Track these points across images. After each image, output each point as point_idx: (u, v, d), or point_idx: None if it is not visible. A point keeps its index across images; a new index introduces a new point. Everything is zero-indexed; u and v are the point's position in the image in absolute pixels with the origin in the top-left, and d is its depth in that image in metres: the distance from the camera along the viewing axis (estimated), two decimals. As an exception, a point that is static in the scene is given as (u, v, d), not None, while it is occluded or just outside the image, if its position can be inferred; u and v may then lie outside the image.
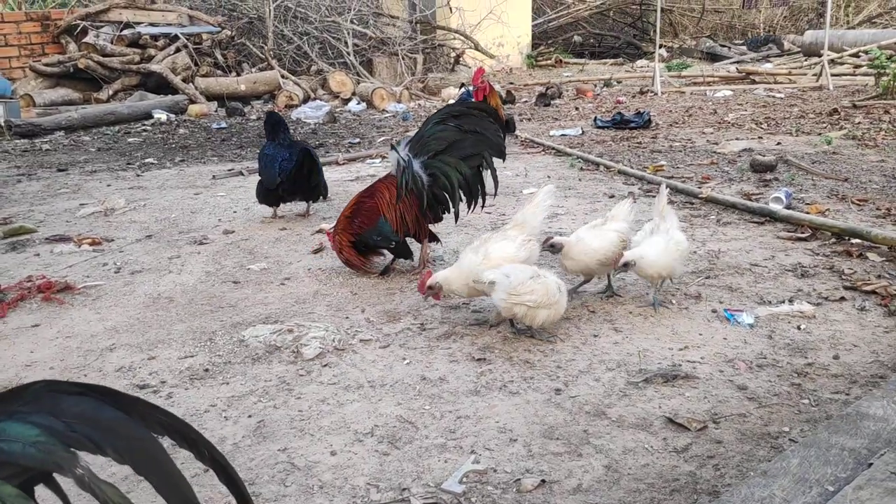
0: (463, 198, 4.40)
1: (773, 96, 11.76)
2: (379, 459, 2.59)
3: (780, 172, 6.64)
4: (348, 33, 14.10)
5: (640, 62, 17.46)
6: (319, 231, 5.34)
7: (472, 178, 4.36)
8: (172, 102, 11.89)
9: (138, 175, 7.64)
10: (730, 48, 18.39)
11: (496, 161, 4.42)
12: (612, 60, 18.65)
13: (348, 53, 13.85)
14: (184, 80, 12.52)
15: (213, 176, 7.39)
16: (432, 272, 3.70)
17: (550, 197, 3.89)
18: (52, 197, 6.77)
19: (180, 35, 13.25)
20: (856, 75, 13.47)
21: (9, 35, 13.42)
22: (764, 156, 6.96)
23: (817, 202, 5.58)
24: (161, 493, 1.19)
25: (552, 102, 12.05)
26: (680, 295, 3.96)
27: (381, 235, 4.37)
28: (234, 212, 6.02)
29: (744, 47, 18.39)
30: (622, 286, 4.10)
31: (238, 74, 13.39)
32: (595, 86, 13.84)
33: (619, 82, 14.48)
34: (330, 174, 6.49)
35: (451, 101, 11.71)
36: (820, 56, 13.07)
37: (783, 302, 3.80)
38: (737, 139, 8.36)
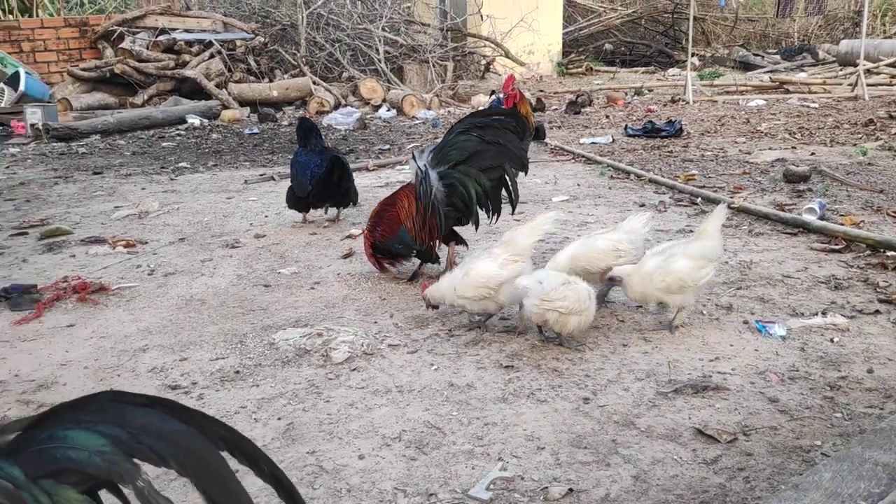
0: (482, 209, 4.38)
1: (808, 106, 11.61)
2: (406, 464, 2.60)
3: (814, 183, 6.56)
4: (380, 41, 14.19)
5: (671, 71, 17.34)
6: (349, 236, 5.39)
7: (491, 190, 4.33)
8: (206, 108, 12.05)
9: (172, 179, 7.76)
10: (763, 57, 18.20)
11: (520, 172, 4.42)
12: (643, 69, 18.54)
13: (379, 60, 13.94)
14: (217, 86, 12.68)
15: (245, 180, 7.47)
16: (427, 284, 3.79)
17: (550, 224, 3.80)
18: (88, 199, 6.89)
19: (214, 41, 13.43)
20: (892, 85, 13.25)
21: (48, 40, 13.71)
22: (797, 166, 6.88)
23: (852, 214, 5.51)
24: None
25: (582, 110, 12.02)
26: (711, 305, 3.92)
27: (403, 244, 4.42)
28: (266, 216, 6.09)
29: (777, 56, 18.18)
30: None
31: (270, 81, 13.53)
32: (626, 94, 13.78)
33: (650, 91, 14.40)
34: (360, 180, 6.53)
35: (481, 108, 11.74)
36: (855, 66, 12.88)
37: (816, 314, 3.75)
38: (770, 149, 8.27)
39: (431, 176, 4.30)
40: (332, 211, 5.92)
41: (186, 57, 13.09)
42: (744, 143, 8.80)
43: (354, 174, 6.04)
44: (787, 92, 13.32)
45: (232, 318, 3.95)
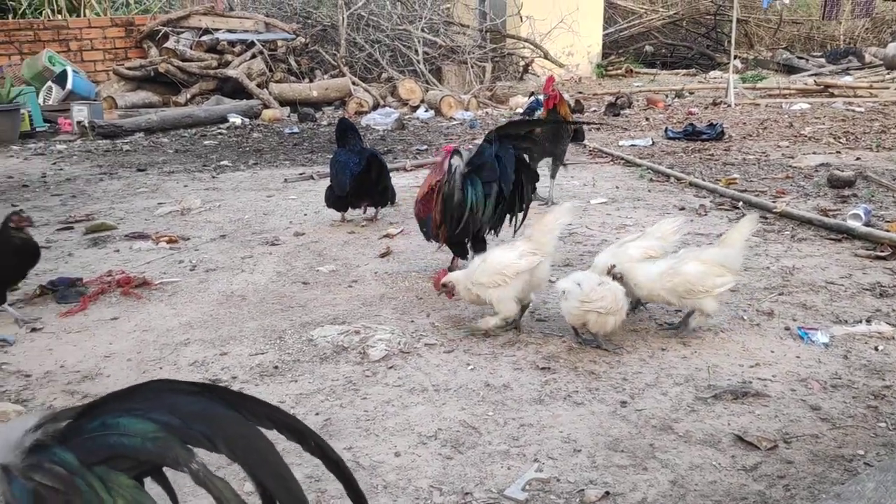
0: (486, 220, 4.25)
1: (853, 110, 11.38)
2: (442, 463, 2.61)
3: (859, 188, 6.43)
4: (419, 41, 14.23)
5: (713, 73, 17.13)
6: (386, 236, 5.42)
7: (500, 207, 4.21)
8: (247, 107, 12.20)
9: (213, 177, 7.87)
10: (807, 60, 17.87)
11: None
12: (684, 71, 18.34)
13: (418, 61, 13.98)
14: (258, 86, 12.83)
15: (285, 179, 7.56)
16: (447, 270, 3.80)
17: (567, 215, 3.70)
18: (132, 196, 7.03)
19: (256, 41, 13.60)
20: (942, 89, 12.93)
21: (94, 40, 14.01)
22: (842, 171, 6.75)
23: (898, 220, 5.39)
24: (271, 489, 1.22)
25: (622, 112, 11.92)
26: (752, 311, 3.87)
27: (425, 229, 4.53)
28: (305, 215, 6.15)
29: (822, 59, 17.84)
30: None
31: (311, 81, 13.66)
32: (666, 96, 13.64)
33: (691, 93, 14.24)
34: (397, 180, 6.56)
35: (519, 110, 11.72)
36: (904, 69, 12.60)
37: (860, 322, 3.68)
38: (814, 153, 8.13)
39: (457, 177, 4.27)
40: (371, 211, 5.95)
41: (229, 57, 13.28)
42: (787, 146, 8.66)
43: (392, 174, 6.08)
44: (832, 95, 13.07)
45: (271, 315, 4.00)
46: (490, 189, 4.13)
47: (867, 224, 5.16)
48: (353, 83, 13.39)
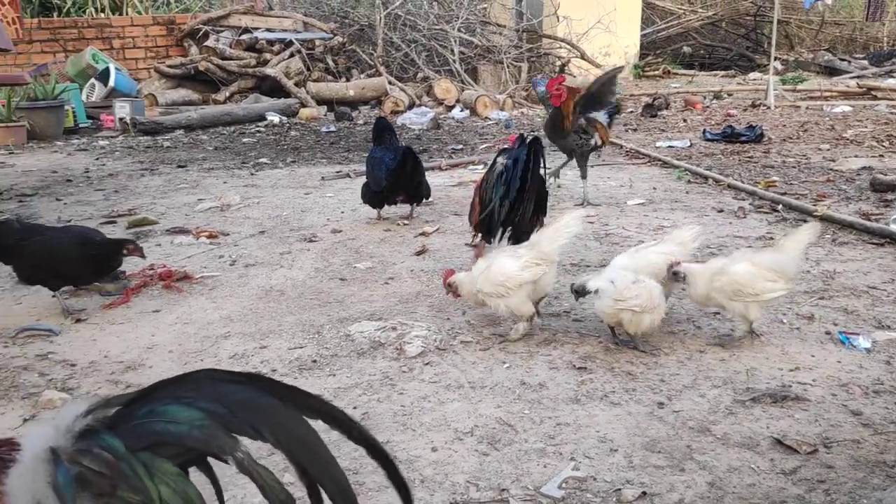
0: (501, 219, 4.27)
1: (897, 113, 11.17)
2: (478, 459, 2.62)
3: (903, 193, 6.32)
4: (455, 41, 14.27)
5: (752, 75, 16.92)
6: (422, 234, 5.45)
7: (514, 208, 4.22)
8: (285, 105, 12.34)
9: (252, 174, 7.98)
10: (850, 62, 17.57)
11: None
12: (722, 72, 18.15)
13: (454, 61, 14.01)
14: (296, 85, 12.97)
15: (322, 177, 7.63)
16: (453, 271, 3.78)
17: (576, 224, 3.58)
18: (173, 191, 7.15)
19: (295, 41, 13.74)
20: None
21: (137, 38, 14.27)
22: (885, 175, 6.63)
23: (944, 225, 5.28)
24: (317, 478, 1.24)
25: (659, 113, 11.84)
26: (792, 315, 3.83)
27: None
28: (342, 212, 6.21)
29: (865, 61, 17.53)
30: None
31: (347, 80, 13.77)
32: (704, 98, 13.51)
33: (729, 95, 14.09)
34: (433, 179, 6.58)
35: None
36: (951, 72, 12.33)
37: (904, 327, 3.62)
38: (856, 156, 7.99)
39: (494, 173, 4.28)
40: (406, 209, 5.98)
41: (267, 55, 13.44)
42: (828, 149, 8.53)
43: (427, 174, 6.10)
44: (875, 98, 12.84)
45: (309, 310, 4.05)
46: (503, 190, 4.17)
47: (911, 229, 5.07)
48: (390, 82, 13.47)
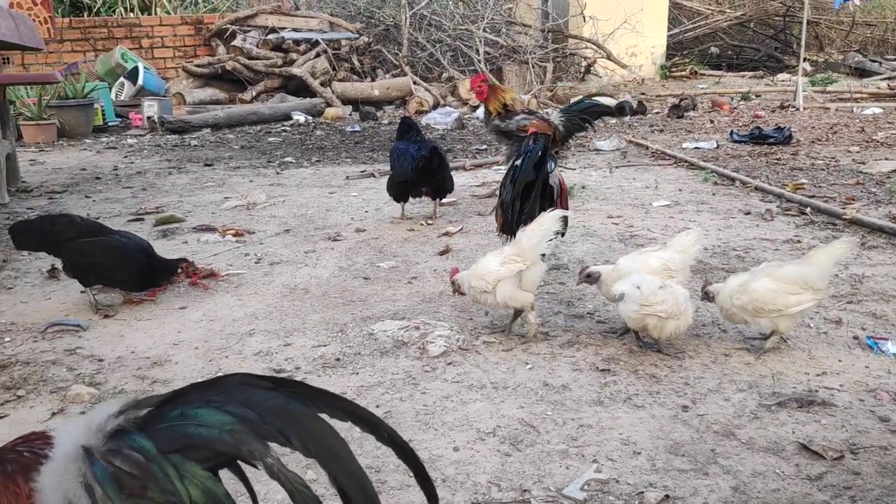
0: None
1: (929, 115, 10.99)
2: (500, 459, 2.62)
3: (935, 196, 6.22)
4: (480, 41, 14.26)
5: (781, 76, 16.73)
6: (446, 234, 5.46)
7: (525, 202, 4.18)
8: (310, 105, 12.41)
9: (278, 173, 8.04)
10: (881, 63, 17.31)
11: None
12: (750, 73, 17.95)
13: (479, 61, 14.01)
14: (322, 84, 13.04)
15: (347, 177, 7.67)
16: (458, 269, 3.81)
17: (553, 223, 3.56)
18: (200, 189, 7.22)
19: (321, 41, 13.81)
20: None
21: (165, 37, 14.43)
22: (917, 178, 6.53)
23: (977, 230, 5.19)
24: (344, 486, 1.24)
25: (685, 114, 11.74)
26: (819, 319, 3.78)
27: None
28: (366, 211, 6.23)
29: (897, 63, 17.27)
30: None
31: (372, 80, 13.82)
32: (731, 99, 13.38)
33: (757, 96, 13.94)
34: (457, 179, 6.58)
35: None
36: (985, 73, 12.10)
37: (934, 333, 3.56)
38: (886, 159, 7.87)
39: (521, 165, 4.25)
40: (429, 208, 5.98)
41: (293, 55, 13.52)
42: (857, 152, 8.42)
43: (452, 173, 6.10)
44: (907, 100, 12.63)
45: (333, 308, 4.07)
46: (510, 189, 4.19)
47: (943, 233, 4.98)
48: (414, 82, 13.49)
